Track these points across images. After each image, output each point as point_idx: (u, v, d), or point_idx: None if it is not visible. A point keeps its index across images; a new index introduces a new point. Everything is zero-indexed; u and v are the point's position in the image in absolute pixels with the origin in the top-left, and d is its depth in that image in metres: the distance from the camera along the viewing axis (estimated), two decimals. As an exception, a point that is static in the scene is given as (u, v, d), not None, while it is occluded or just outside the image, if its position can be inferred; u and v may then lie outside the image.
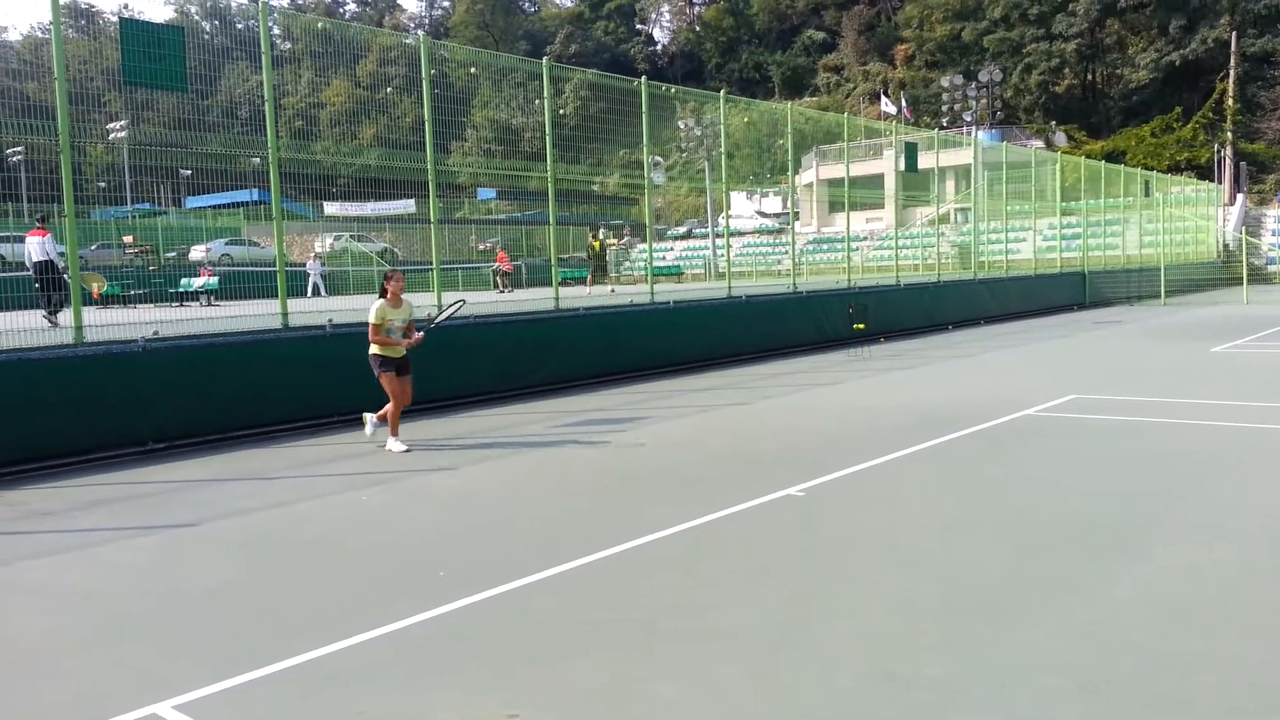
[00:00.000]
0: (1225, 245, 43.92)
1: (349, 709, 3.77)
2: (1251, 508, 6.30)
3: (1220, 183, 52.23)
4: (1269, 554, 5.33)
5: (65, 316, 11.63)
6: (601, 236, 28.68)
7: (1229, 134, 56.50)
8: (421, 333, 9.39)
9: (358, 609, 4.89)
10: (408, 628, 4.60)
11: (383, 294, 9.19)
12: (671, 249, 54.04)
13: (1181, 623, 4.40)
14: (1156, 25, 66.00)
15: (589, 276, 24.31)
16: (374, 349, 9.19)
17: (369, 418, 9.61)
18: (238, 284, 16.40)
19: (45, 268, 14.59)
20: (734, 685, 3.88)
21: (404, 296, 9.31)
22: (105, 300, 15.84)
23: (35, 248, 14.59)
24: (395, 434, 9.25)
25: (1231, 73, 57.74)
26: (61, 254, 14.95)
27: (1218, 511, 6.24)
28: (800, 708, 3.67)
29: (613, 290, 22.47)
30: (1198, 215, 42.45)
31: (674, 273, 42.82)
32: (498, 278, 29.38)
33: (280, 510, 7.15)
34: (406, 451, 9.09)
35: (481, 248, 40.23)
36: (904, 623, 4.48)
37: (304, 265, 26.02)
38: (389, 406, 9.26)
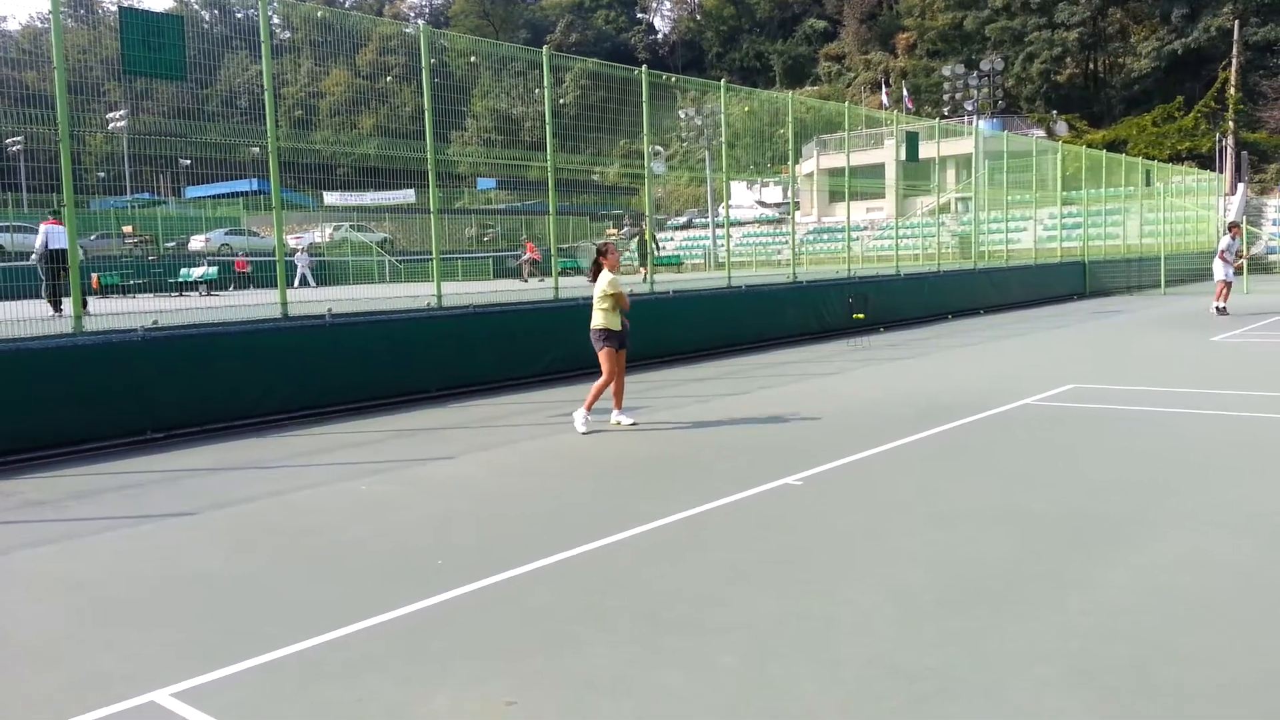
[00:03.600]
0: (1226, 235, 43.80)
1: (347, 696, 3.77)
2: (1250, 498, 6.30)
3: (1221, 172, 52.12)
4: (1266, 544, 5.33)
5: (67, 305, 11.67)
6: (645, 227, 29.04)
7: (1230, 123, 56.39)
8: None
9: (355, 598, 4.89)
10: (406, 616, 4.61)
11: (597, 268, 9.29)
12: (671, 239, 53.99)
13: (1177, 614, 4.40)
14: (1159, 14, 65.87)
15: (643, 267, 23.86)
16: (598, 322, 9.23)
17: (578, 414, 9.36)
18: (238, 273, 16.40)
19: (57, 256, 14.69)
20: (734, 675, 3.88)
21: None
22: (105, 290, 15.84)
23: (55, 237, 14.71)
24: (616, 407, 9.48)
25: (1234, 61, 57.58)
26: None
27: (1216, 501, 6.24)
28: (801, 698, 3.67)
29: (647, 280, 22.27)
30: (1199, 205, 42.37)
31: (674, 262, 42.75)
32: (525, 266, 29.56)
33: (278, 499, 7.16)
34: (632, 425, 9.29)
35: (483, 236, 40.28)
36: (902, 613, 4.48)
37: (292, 256, 26.00)
38: (598, 384, 9.31)
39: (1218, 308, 20.58)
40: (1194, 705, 3.51)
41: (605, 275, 9.26)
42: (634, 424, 9.41)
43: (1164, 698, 3.57)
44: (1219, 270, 20.88)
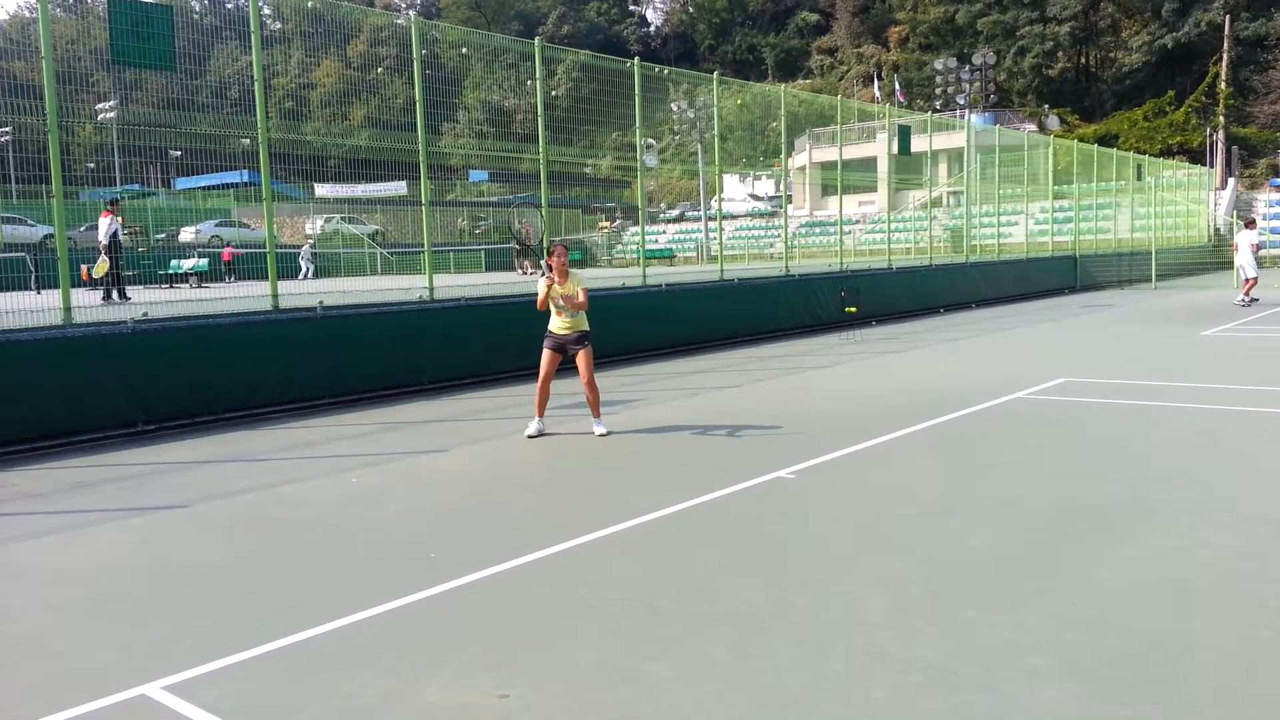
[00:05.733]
0: (1216, 229, 43.99)
1: (337, 690, 3.77)
2: (1240, 490, 6.33)
3: (1212, 167, 52.29)
4: (1257, 536, 5.35)
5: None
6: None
7: (1221, 118, 56.57)
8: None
9: (347, 590, 4.88)
10: (398, 609, 4.60)
11: (549, 268, 8.85)
12: (664, 232, 53.97)
13: (1168, 605, 4.42)
14: (1150, 8, 65.90)
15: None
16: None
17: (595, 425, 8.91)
18: (225, 264, 16.49)
19: (115, 246, 16.38)
20: (724, 667, 3.89)
21: (576, 271, 8.99)
22: (95, 282, 15.79)
23: (102, 229, 16.51)
24: (540, 415, 8.95)
25: (1224, 56, 57.73)
26: (114, 234, 16.29)
27: (1206, 494, 6.26)
28: (791, 689, 3.68)
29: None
30: (1189, 199, 42.49)
31: (666, 256, 42.81)
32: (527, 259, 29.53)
33: (270, 492, 7.14)
34: (534, 437, 8.78)
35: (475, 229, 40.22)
36: (893, 605, 4.49)
37: (298, 250, 26.06)
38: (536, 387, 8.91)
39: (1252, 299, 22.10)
40: (1187, 696, 3.53)
41: (541, 279, 8.98)
42: (606, 433, 8.81)
43: (1157, 688, 3.59)
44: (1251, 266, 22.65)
